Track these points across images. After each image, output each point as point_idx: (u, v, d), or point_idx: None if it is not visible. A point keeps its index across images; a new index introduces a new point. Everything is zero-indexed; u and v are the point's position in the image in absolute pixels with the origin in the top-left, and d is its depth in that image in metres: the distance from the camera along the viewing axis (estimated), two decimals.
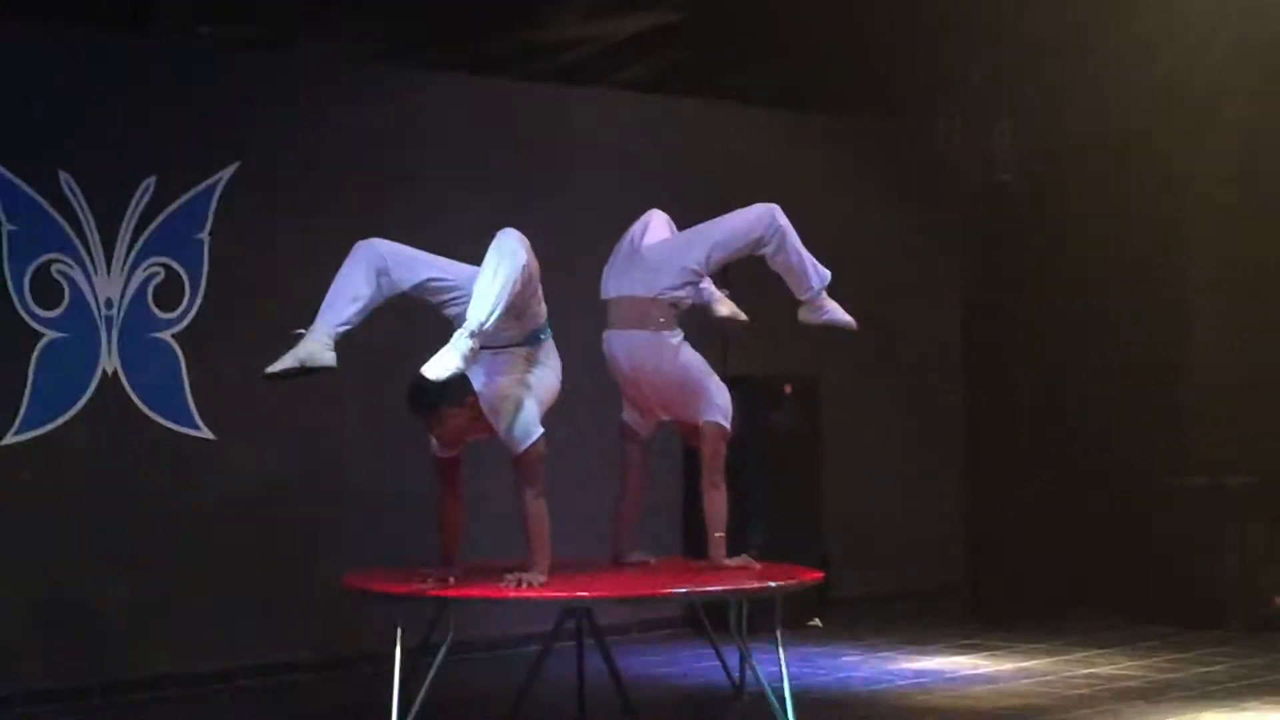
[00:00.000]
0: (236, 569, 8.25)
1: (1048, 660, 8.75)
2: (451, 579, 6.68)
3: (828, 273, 7.26)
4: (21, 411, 7.75)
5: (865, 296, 7.86)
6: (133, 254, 8.08)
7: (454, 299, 6.71)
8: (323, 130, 8.65)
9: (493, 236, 6.61)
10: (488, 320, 6.42)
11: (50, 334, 7.86)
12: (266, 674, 8.31)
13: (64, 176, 7.87)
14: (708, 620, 7.78)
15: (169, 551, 8.09)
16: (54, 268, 7.87)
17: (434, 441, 6.77)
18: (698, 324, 7.35)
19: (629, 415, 7.28)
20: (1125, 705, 7.55)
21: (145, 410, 8.09)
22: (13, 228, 7.76)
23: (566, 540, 6.88)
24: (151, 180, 8.11)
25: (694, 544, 8.26)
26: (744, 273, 7.61)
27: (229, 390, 8.20)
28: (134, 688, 7.95)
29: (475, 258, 6.65)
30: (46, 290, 7.84)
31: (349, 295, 6.66)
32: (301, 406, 8.23)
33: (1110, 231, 10.80)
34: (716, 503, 7.11)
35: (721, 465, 7.13)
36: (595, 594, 6.73)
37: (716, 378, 7.19)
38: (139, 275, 8.10)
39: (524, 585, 6.52)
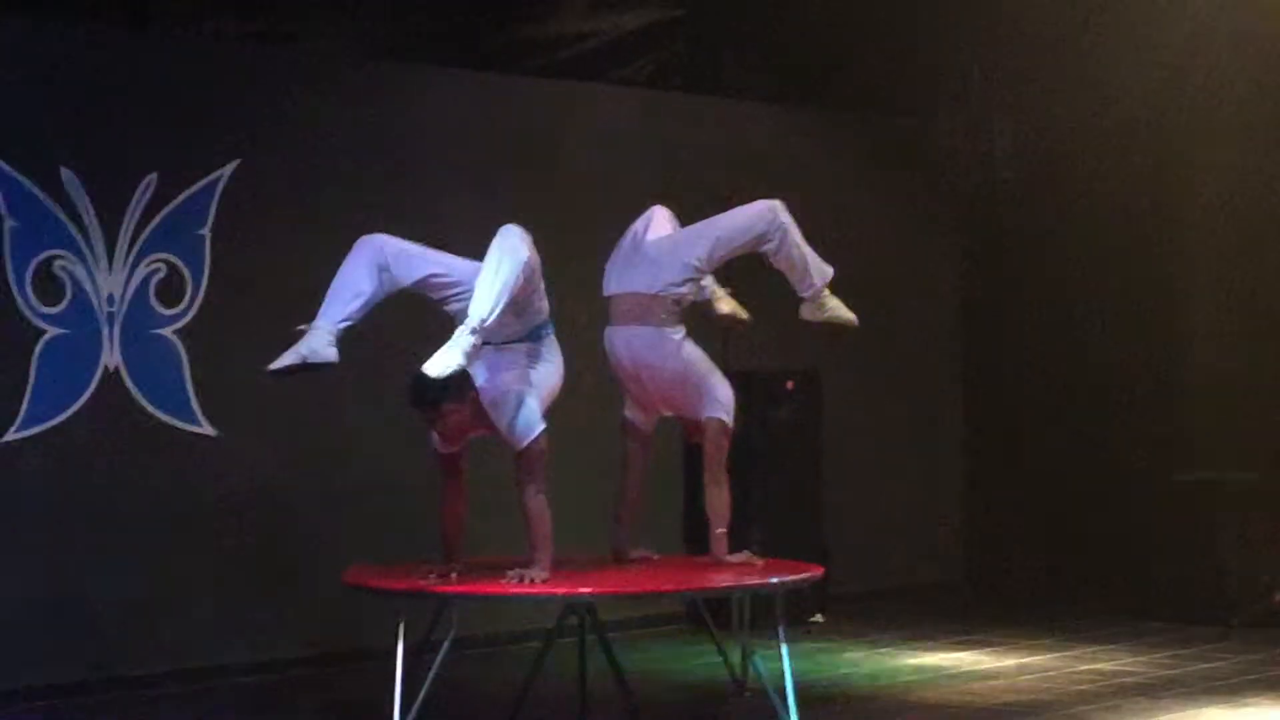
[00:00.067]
0: (238, 565, 8.25)
1: (1049, 656, 8.75)
2: (453, 575, 6.68)
3: (830, 270, 7.26)
4: (24, 408, 7.74)
5: (866, 292, 7.86)
6: (134, 250, 8.08)
7: (456, 295, 6.71)
8: (324, 126, 8.65)
9: (494, 232, 6.61)
10: (489, 317, 6.43)
11: (52, 330, 7.86)
12: (268, 670, 8.31)
13: (66, 173, 7.87)
14: (710, 616, 7.79)
15: (171, 548, 8.09)
16: (56, 264, 7.87)
17: (435, 437, 6.77)
18: (698, 320, 7.34)
19: (631, 411, 7.28)
20: (1126, 701, 7.55)
21: (147, 406, 8.09)
22: (15, 224, 7.76)
23: (568, 536, 6.88)
24: (153, 176, 8.11)
25: (696, 540, 8.26)
26: (745, 268, 7.61)
27: (231, 386, 8.20)
28: (135, 684, 7.95)
29: (477, 253, 6.65)
30: (48, 287, 7.84)
31: (351, 291, 6.66)
32: (303, 402, 8.23)
33: (1110, 226, 10.80)
34: (718, 499, 7.10)
35: (724, 461, 7.12)
36: (597, 590, 6.73)
37: (719, 373, 7.19)
38: (141, 271, 8.11)
39: (526, 581, 6.52)
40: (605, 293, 7.18)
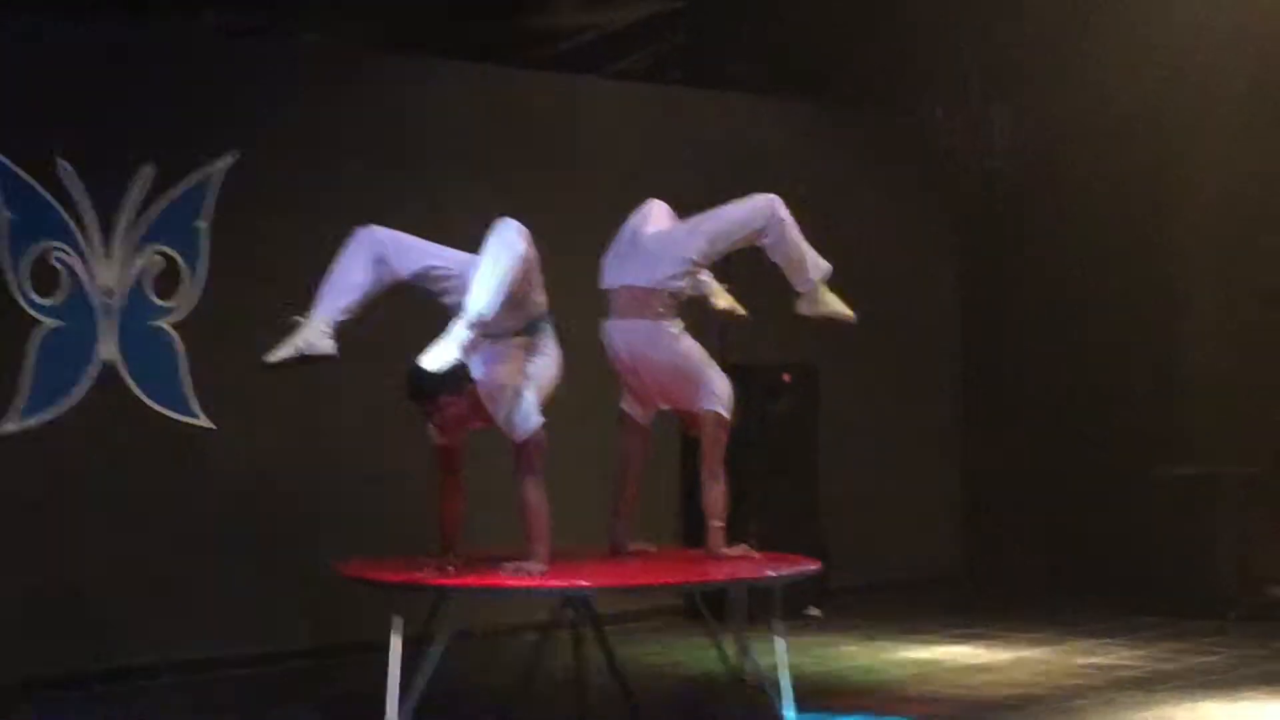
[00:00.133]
0: (235, 557, 8.25)
1: (1045, 649, 8.75)
2: (450, 568, 6.67)
3: (827, 265, 7.25)
4: (20, 400, 7.74)
5: (863, 285, 7.85)
6: (131, 242, 8.07)
7: (453, 287, 6.69)
8: (321, 118, 8.65)
9: (492, 225, 6.61)
10: (485, 312, 6.42)
11: (49, 322, 7.85)
12: (264, 662, 8.31)
13: (63, 164, 7.86)
14: (707, 609, 7.77)
15: (166, 540, 8.09)
16: (53, 256, 7.87)
17: (433, 430, 6.77)
18: (695, 315, 7.34)
19: (628, 404, 7.27)
20: (1122, 695, 7.56)
21: (143, 399, 8.09)
22: (11, 215, 7.76)
23: (565, 529, 6.88)
24: (150, 168, 8.11)
25: (693, 533, 8.26)
26: (744, 263, 7.60)
27: (227, 379, 8.19)
28: (131, 675, 7.95)
29: (474, 246, 6.64)
30: (45, 278, 7.84)
31: (348, 283, 6.65)
32: (300, 395, 8.23)
33: (1106, 218, 10.80)
34: (715, 492, 7.10)
35: (721, 454, 7.12)
36: (594, 583, 6.72)
37: (716, 366, 7.18)
38: (137, 263, 8.10)
39: (523, 574, 6.51)
40: (602, 286, 7.18)
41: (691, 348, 7.12)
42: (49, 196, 7.84)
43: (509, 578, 6.52)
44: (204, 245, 8.26)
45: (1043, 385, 11.16)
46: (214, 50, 8.43)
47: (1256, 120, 10.26)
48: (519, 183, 9.09)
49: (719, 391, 7.11)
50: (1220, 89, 10.32)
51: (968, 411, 11.45)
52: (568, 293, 7.26)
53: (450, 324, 6.44)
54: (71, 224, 7.90)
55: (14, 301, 7.76)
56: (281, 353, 6.56)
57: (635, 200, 7.39)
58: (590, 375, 7.52)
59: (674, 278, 7.06)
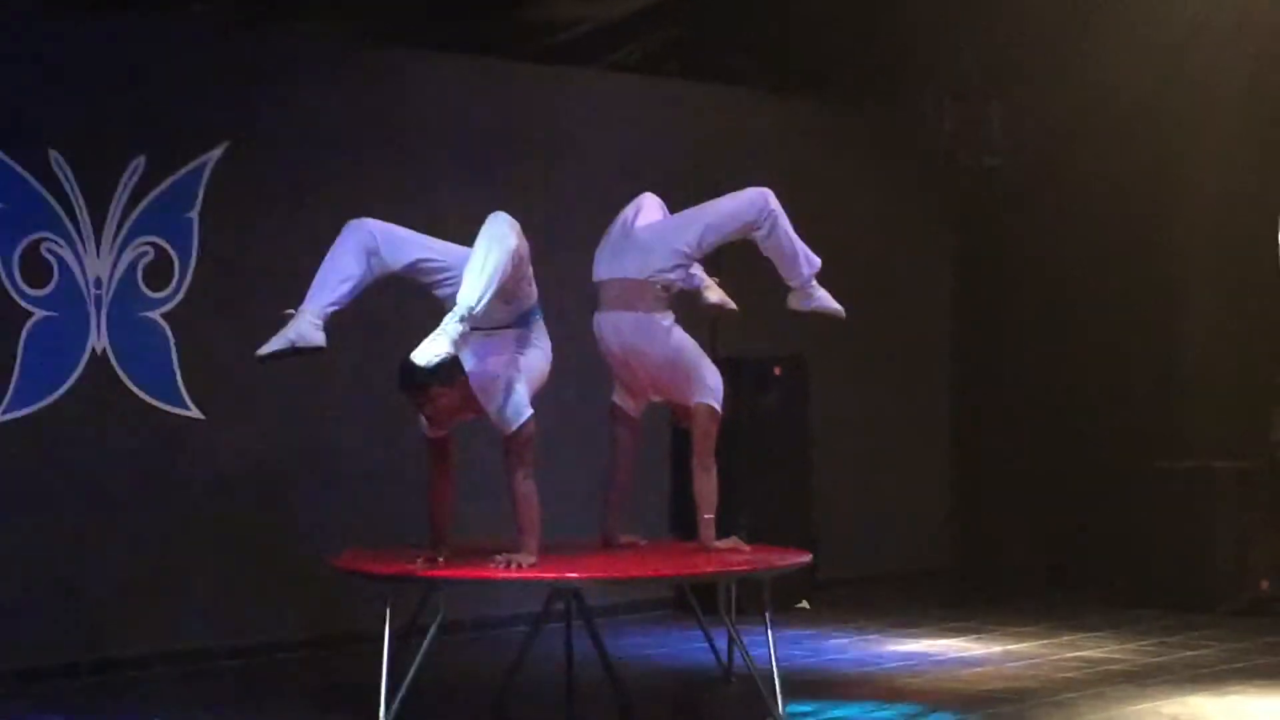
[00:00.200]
0: (225, 549, 8.25)
1: (1035, 643, 8.76)
2: (441, 559, 6.68)
3: (818, 260, 7.26)
4: (10, 391, 7.73)
5: (855, 279, 7.87)
6: (122, 233, 8.06)
7: (445, 280, 6.70)
8: (313, 110, 8.63)
9: (484, 218, 6.61)
10: (477, 305, 6.43)
11: (39, 313, 7.84)
12: (255, 654, 8.30)
13: (53, 155, 7.85)
14: (696, 602, 7.79)
15: (157, 531, 8.09)
16: (43, 247, 7.86)
17: (424, 421, 6.77)
18: (686, 308, 7.34)
19: (619, 397, 7.28)
20: (1112, 688, 7.56)
21: (134, 390, 8.08)
22: (2, 206, 7.74)
23: (556, 521, 6.88)
24: (141, 159, 8.10)
25: (683, 525, 8.27)
26: (736, 256, 7.61)
27: (218, 370, 8.19)
28: (123, 666, 7.95)
29: (466, 238, 6.65)
30: (35, 269, 7.83)
31: (339, 275, 6.65)
32: (291, 387, 8.23)
33: (1102, 214, 10.80)
34: (706, 484, 7.11)
35: (712, 447, 7.13)
36: (584, 575, 6.74)
37: (708, 359, 7.20)
38: (128, 254, 8.09)
39: (513, 566, 6.52)
40: (595, 278, 7.19)
41: (683, 340, 7.13)
42: (40, 187, 7.83)
43: (499, 569, 6.53)
44: (195, 236, 8.25)
45: (1035, 380, 11.16)
46: (205, 41, 8.41)
47: (1255, 117, 10.26)
48: (511, 175, 9.08)
49: (710, 384, 7.12)
50: (1219, 88, 10.31)
51: (958, 405, 11.45)
52: (559, 284, 7.26)
53: (443, 317, 6.45)
54: (62, 215, 7.89)
55: (5, 292, 7.74)
56: (273, 345, 6.57)
57: (630, 193, 7.39)
58: (581, 368, 7.53)
59: (666, 270, 7.07)
